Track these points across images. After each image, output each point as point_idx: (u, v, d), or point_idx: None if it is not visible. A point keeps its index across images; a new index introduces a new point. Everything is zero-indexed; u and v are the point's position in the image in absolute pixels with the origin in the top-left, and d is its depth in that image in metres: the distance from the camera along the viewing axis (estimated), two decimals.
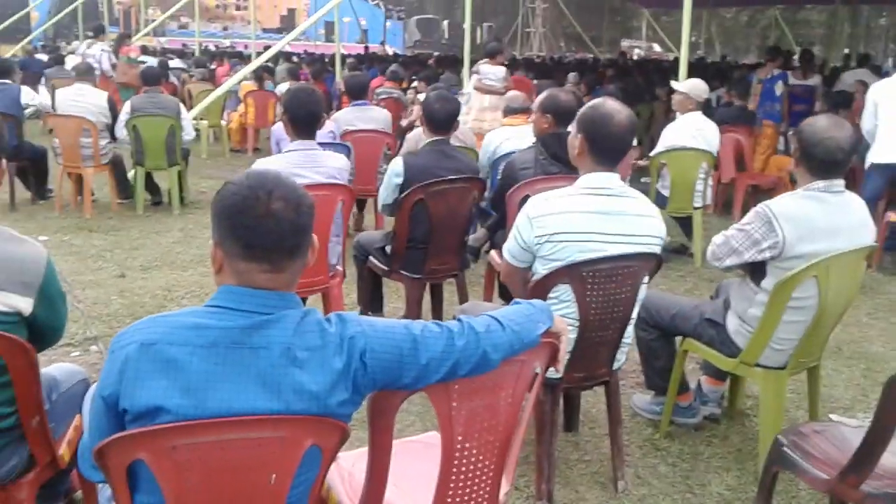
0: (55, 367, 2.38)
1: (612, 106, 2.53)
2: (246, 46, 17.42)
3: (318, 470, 1.60)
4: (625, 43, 24.67)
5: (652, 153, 5.69)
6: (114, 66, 10.56)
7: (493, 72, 8.12)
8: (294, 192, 1.55)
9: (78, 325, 4.05)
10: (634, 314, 2.63)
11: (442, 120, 3.79)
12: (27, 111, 6.96)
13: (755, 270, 2.78)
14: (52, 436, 2.12)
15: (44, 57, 14.10)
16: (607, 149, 2.50)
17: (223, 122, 10.37)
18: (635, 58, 19.31)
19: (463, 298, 3.96)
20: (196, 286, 4.88)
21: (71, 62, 11.07)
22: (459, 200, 3.75)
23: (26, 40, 18.36)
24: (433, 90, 4.36)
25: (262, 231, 1.49)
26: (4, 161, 2.21)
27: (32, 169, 7.03)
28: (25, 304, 1.98)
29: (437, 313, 4.11)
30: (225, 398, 1.48)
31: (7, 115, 6.27)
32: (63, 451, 2.17)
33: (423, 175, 3.64)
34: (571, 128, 2.63)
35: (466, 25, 8.84)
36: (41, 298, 2.02)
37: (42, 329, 2.07)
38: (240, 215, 1.50)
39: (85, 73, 7.03)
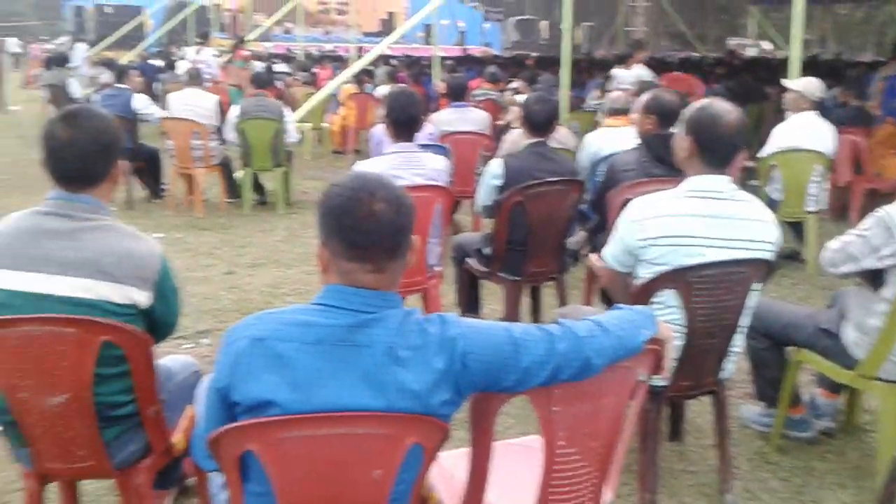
0: (170, 358, 2.48)
1: (720, 106, 2.45)
2: (347, 50, 17.80)
3: (420, 469, 1.61)
4: (732, 41, 23.81)
5: (762, 154, 5.47)
6: (223, 69, 11.01)
7: (624, 76, 8.14)
8: (395, 193, 1.58)
9: (189, 319, 4.23)
10: (744, 322, 2.54)
11: (541, 121, 3.77)
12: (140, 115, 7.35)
13: (874, 278, 2.64)
14: (167, 424, 2.22)
15: (158, 62, 14.82)
16: (717, 150, 2.42)
17: (325, 125, 10.63)
18: (748, 56, 18.52)
19: (562, 302, 3.92)
20: (300, 284, 5.01)
21: (181, 67, 11.59)
22: (559, 202, 3.71)
23: (140, 47, 19.33)
24: (535, 91, 4.34)
25: (365, 231, 1.53)
26: (124, 162, 2.32)
27: (148, 169, 7.41)
28: (143, 298, 2.08)
29: (536, 316, 4.09)
30: (331, 394, 1.52)
31: (122, 119, 6.63)
32: (177, 439, 2.26)
33: (522, 177, 3.63)
34: (678, 129, 2.56)
35: (565, 26, 8.71)
36: (157, 293, 2.12)
37: (157, 322, 2.17)
38: (343, 216, 1.54)
39: (195, 78, 7.38)
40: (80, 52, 13.88)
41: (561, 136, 5.05)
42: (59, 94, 11.31)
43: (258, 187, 7.32)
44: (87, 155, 2.07)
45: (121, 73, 7.51)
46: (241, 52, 10.82)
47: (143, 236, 2.14)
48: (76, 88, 11.23)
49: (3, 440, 2.17)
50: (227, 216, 6.88)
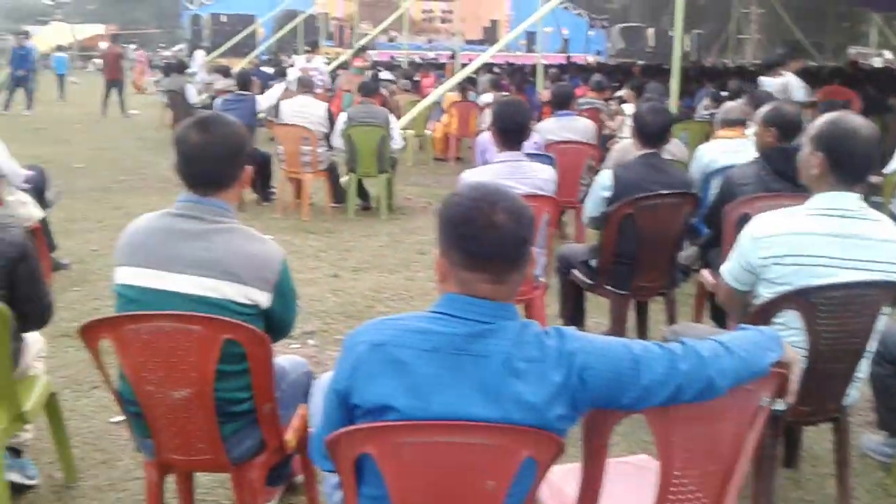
0: (282, 357, 2.54)
1: (854, 120, 2.33)
2: (451, 56, 17.96)
3: (533, 482, 1.60)
4: (851, 50, 22.65)
5: (887, 169, 5.18)
6: (333, 78, 11.32)
7: (771, 84, 7.88)
8: (516, 204, 1.58)
9: (297, 320, 4.34)
10: (871, 347, 2.41)
11: (655, 132, 3.69)
12: (259, 116, 7.66)
13: None
14: (280, 422, 2.28)
15: (268, 69, 15.36)
16: (851, 167, 2.30)
17: (427, 132, 10.75)
18: (870, 66, 17.52)
19: (671, 318, 3.82)
20: (402, 289, 5.08)
21: (291, 75, 11.96)
22: (671, 216, 3.62)
23: (253, 54, 20.09)
24: (646, 101, 4.26)
25: (485, 241, 1.53)
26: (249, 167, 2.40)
27: (258, 173, 7.66)
28: (264, 299, 2.15)
29: (642, 332, 4.00)
30: (448, 402, 1.53)
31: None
32: (289, 437, 2.32)
33: (632, 189, 3.56)
34: (805, 144, 2.45)
35: (675, 33, 8.51)
36: (276, 294, 2.18)
37: (275, 322, 2.24)
38: (463, 226, 1.55)
39: (306, 85, 7.60)
40: (199, 59, 14.53)
41: (673, 147, 4.94)
42: (177, 99, 11.89)
43: (362, 193, 7.47)
44: (218, 160, 2.16)
45: (245, 80, 7.82)
46: (357, 60, 11.13)
47: (265, 239, 2.22)
48: (193, 94, 11.77)
49: (125, 430, 2.28)
50: (332, 220, 7.03)
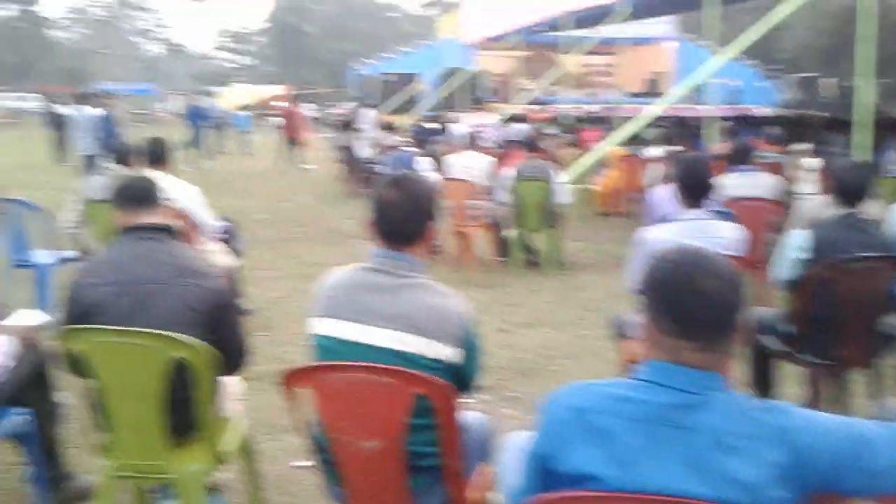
0: (464, 412, 2.55)
1: None
2: (611, 110, 17.81)
3: None
4: None
5: None
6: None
7: None
8: (725, 268, 1.52)
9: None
10: None
11: (854, 190, 3.47)
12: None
13: None
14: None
15: (434, 126, 15.88)
16: None
17: (591, 186, 10.64)
18: None
19: (877, 392, 3.49)
20: (572, 347, 4.97)
21: (455, 131, 12.28)
22: (872, 280, 3.35)
23: (416, 111, 20.87)
24: (836, 157, 4.00)
25: (692, 307, 1.47)
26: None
27: None
28: (452, 354, 2.16)
29: (842, 406, 3.67)
30: (654, 475, 1.46)
31: None
32: (471, 494, 2.29)
33: (831, 250, 3.33)
34: None
35: (859, 82, 8.01)
36: (464, 349, 2.19)
37: (460, 378, 2.24)
38: (669, 291, 1.50)
39: (472, 141, 7.80)
40: (368, 117, 15.28)
41: (867, 205, 4.59)
42: (347, 154, 12.54)
43: (527, 247, 7.46)
44: (410, 216, 2.23)
45: (417, 136, 8.16)
46: (533, 116, 11.34)
47: (453, 294, 2.24)
48: (362, 150, 12.36)
49: (311, 476, 2.32)
50: (497, 274, 7.04)
